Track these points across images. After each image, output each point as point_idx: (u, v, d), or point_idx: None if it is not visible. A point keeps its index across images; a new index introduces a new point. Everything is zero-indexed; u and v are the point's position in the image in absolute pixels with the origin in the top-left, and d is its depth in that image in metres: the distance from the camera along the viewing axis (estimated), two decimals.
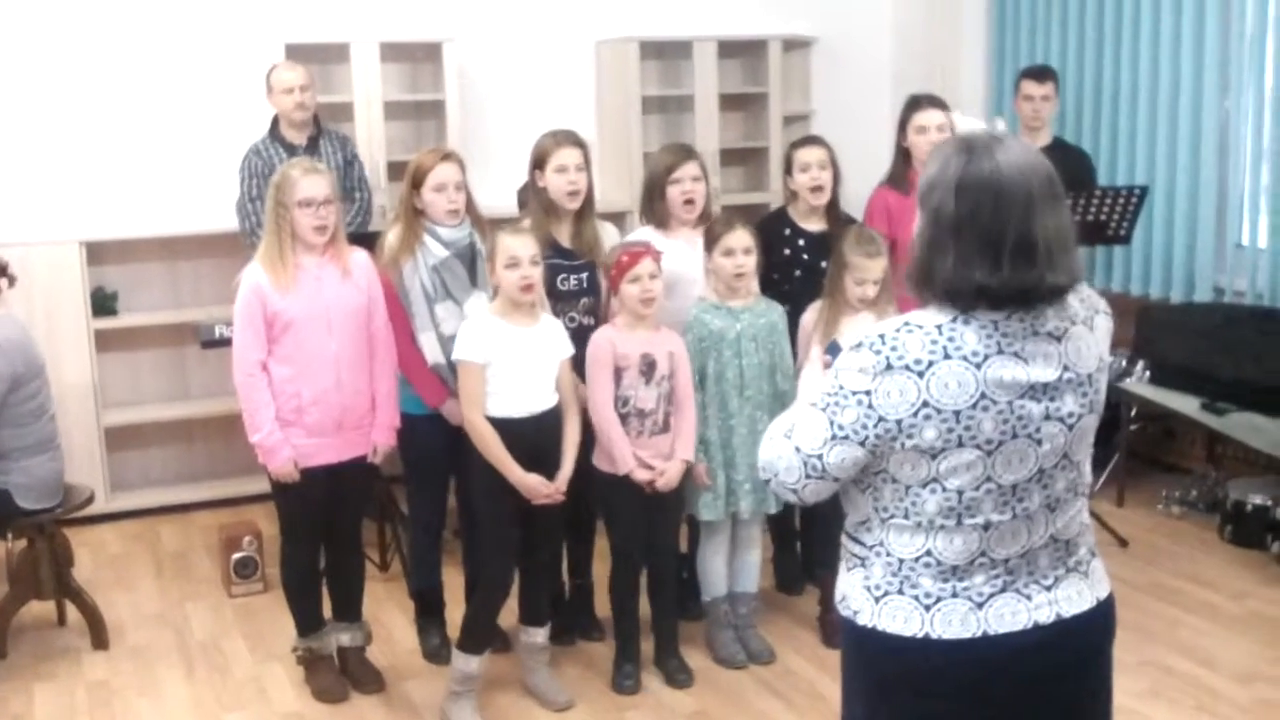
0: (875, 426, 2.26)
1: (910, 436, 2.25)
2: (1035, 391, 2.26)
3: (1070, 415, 2.30)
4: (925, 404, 2.23)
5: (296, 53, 6.35)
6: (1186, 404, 5.91)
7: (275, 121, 6.13)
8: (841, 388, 2.29)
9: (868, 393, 2.26)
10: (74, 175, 6.58)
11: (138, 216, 6.63)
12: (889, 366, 2.24)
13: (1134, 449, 6.48)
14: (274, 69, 6.11)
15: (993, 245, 2.21)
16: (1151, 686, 4.46)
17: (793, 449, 2.35)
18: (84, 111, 6.58)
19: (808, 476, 2.35)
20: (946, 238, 2.25)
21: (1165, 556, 5.67)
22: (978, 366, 2.23)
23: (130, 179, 6.66)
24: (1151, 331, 6.25)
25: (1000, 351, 2.24)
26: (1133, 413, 6.34)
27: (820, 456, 2.32)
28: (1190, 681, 4.51)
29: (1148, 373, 6.15)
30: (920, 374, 2.23)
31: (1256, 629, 4.93)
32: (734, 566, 4.79)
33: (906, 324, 2.28)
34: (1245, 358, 5.69)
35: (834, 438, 2.30)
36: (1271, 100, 6.06)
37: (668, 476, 4.44)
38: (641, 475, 4.42)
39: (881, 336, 2.27)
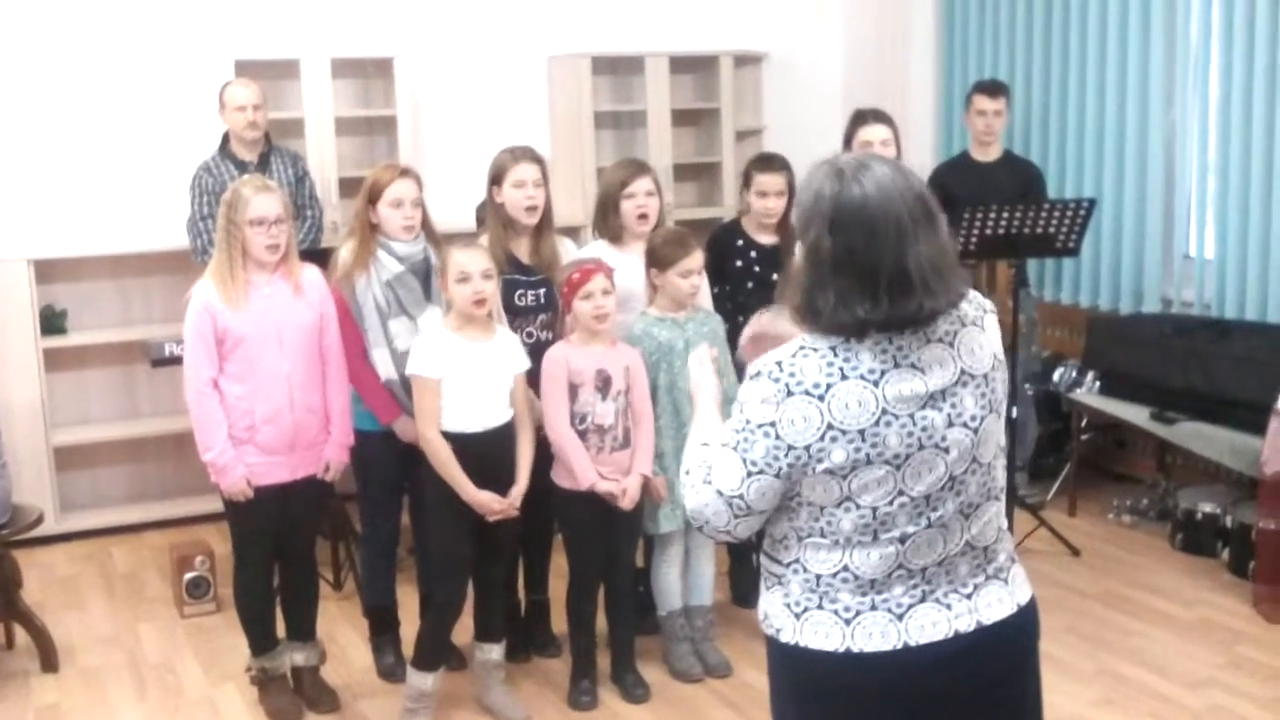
0: (786, 456, 2.27)
1: (820, 460, 2.26)
2: (935, 400, 2.27)
3: (973, 418, 2.31)
4: (830, 426, 2.24)
5: (246, 69, 6.32)
6: (1136, 414, 5.97)
7: (226, 138, 6.11)
8: (748, 422, 2.30)
9: (773, 423, 2.27)
10: (22, 192, 6.52)
11: (87, 234, 6.57)
12: (789, 393, 2.25)
13: (1085, 459, 6.53)
14: (227, 85, 6.08)
15: (870, 281, 2.22)
16: (1105, 694, 4.49)
17: (714, 493, 2.36)
18: (32, 128, 6.51)
19: (735, 517, 2.36)
20: (826, 276, 2.25)
21: (1117, 565, 5.71)
22: (875, 384, 2.24)
23: (79, 196, 6.61)
24: (1101, 342, 6.30)
25: (896, 366, 2.26)
26: (1083, 423, 6.39)
27: (741, 496, 2.33)
28: (1143, 689, 4.54)
29: (1097, 383, 6.20)
30: (820, 397, 2.24)
31: (1208, 636, 4.97)
32: (689, 580, 4.79)
33: (801, 348, 2.28)
34: (1194, 368, 5.74)
35: (749, 474, 2.31)
36: (1217, 112, 6.12)
37: (629, 494, 4.44)
38: (605, 486, 4.41)
39: (779, 364, 2.28)
